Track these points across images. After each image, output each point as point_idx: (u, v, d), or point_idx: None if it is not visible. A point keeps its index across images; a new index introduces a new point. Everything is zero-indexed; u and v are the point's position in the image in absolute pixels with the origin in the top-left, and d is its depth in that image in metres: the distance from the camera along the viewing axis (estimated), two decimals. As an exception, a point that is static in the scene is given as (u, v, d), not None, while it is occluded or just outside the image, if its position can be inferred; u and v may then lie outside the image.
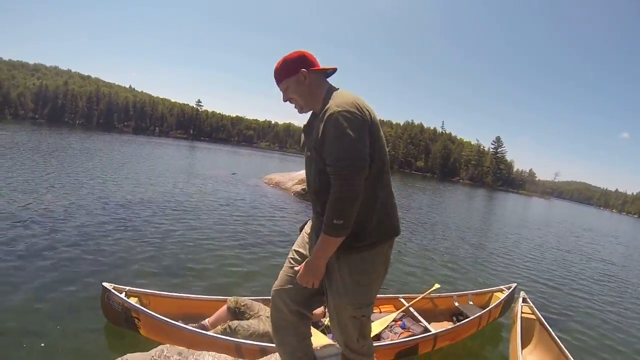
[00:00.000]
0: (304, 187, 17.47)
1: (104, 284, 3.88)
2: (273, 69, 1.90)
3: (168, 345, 2.39)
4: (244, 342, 3.52)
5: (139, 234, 7.49)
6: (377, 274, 1.89)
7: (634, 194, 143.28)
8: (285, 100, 1.93)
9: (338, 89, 1.86)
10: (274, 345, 3.45)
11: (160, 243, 7.21)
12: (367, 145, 1.67)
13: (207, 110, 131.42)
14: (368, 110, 1.75)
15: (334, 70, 1.96)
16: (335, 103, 1.70)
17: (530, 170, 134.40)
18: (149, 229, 7.95)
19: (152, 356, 2.24)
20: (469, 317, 5.53)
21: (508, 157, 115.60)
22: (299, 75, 1.85)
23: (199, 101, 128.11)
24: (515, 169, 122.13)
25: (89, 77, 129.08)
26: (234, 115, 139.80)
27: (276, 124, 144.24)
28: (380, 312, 5.20)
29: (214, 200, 12.55)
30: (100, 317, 3.99)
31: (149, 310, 3.73)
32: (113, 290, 3.81)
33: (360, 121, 1.66)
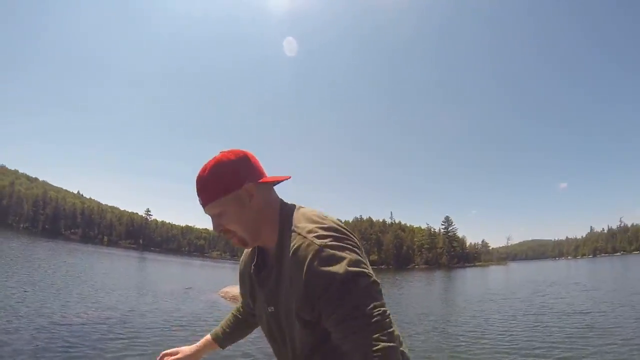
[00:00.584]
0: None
1: None
2: (195, 180, 1.17)
3: None
4: None
5: None
6: None
7: (584, 236, 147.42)
8: (218, 232, 1.19)
9: (293, 205, 1.25)
10: None
11: None
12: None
13: (156, 220, 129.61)
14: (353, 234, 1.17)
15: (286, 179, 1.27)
16: (307, 230, 1.09)
17: (483, 241, 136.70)
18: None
19: None
20: None
21: (459, 234, 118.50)
22: (240, 192, 1.14)
23: (148, 210, 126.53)
24: (468, 244, 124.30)
25: (36, 179, 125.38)
26: (184, 225, 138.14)
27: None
28: None
29: (171, 320, 11.67)
30: None
31: None
32: None
33: (358, 249, 1.11)
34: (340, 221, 1.19)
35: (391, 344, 0.95)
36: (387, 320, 0.99)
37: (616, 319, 13.10)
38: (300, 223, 1.12)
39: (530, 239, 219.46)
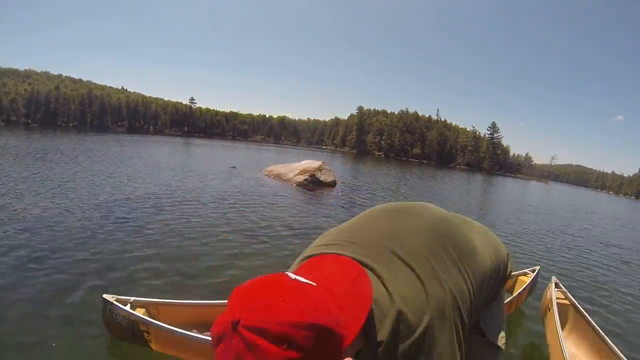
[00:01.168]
0: (306, 177, 17.34)
1: (105, 296, 3.41)
2: None
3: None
4: None
5: (138, 235, 6.92)
6: None
7: (630, 175, 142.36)
8: None
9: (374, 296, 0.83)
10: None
11: (162, 244, 6.64)
12: None
13: (200, 107, 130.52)
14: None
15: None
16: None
17: (527, 154, 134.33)
18: (148, 229, 7.38)
19: None
20: None
21: (504, 142, 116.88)
22: None
23: (192, 99, 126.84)
24: (512, 154, 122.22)
25: (80, 80, 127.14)
26: (228, 111, 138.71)
27: (270, 117, 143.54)
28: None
29: (216, 195, 12.05)
30: (103, 333, 3.52)
31: (159, 322, 3.28)
32: (116, 303, 3.36)
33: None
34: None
35: None
36: None
37: None
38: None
39: (575, 163, 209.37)
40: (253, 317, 0.61)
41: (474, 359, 1.11)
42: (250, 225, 8.64)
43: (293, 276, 0.71)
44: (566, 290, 5.60)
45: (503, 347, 1.26)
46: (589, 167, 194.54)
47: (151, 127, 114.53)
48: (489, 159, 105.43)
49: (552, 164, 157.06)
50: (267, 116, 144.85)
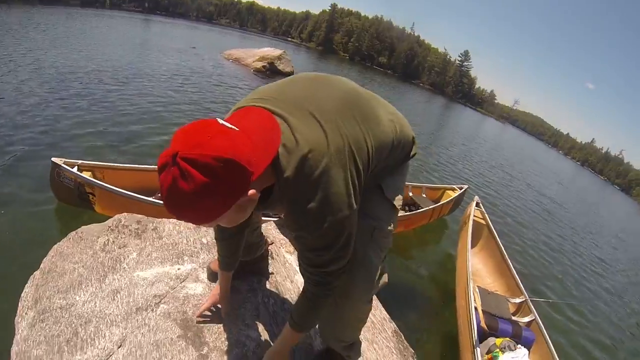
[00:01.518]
0: (264, 64, 17.04)
1: (53, 159, 3.52)
2: (170, 198, 0.86)
3: (126, 214, 2.16)
4: None
5: (90, 106, 7.01)
6: None
7: (583, 143, 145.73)
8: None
9: (282, 133, 1.03)
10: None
11: (112, 114, 6.83)
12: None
13: None
14: (360, 172, 1.13)
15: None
16: (319, 211, 1.05)
17: (492, 91, 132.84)
18: (100, 101, 7.45)
19: (109, 226, 2.04)
20: (421, 209, 5.75)
21: (472, 73, 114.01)
22: (237, 205, 0.93)
23: None
24: (477, 86, 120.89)
25: None
26: None
27: (239, 1, 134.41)
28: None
29: (172, 71, 12.02)
30: (50, 198, 3.73)
31: (104, 183, 3.49)
32: (64, 165, 3.48)
33: (353, 223, 1.14)
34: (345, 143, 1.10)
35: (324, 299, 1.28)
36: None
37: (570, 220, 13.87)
38: (300, 182, 1.03)
39: (535, 114, 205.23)
40: (187, 151, 0.81)
41: (372, 210, 1.41)
42: (200, 102, 8.93)
43: (221, 122, 0.92)
44: (484, 211, 6.14)
45: (398, 207, 1.46)
46: (548, 121, 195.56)
47: (108, 0, 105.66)
48: (454, 85, 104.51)
49: (514, 108, 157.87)
50: (235, 0, 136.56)
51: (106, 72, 9.90)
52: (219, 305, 1.65)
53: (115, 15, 46.42)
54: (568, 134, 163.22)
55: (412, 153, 1.49)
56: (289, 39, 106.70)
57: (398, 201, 1.46)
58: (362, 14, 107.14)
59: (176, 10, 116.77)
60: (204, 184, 0.82)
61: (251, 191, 0.92)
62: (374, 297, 2.60)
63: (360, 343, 1.74)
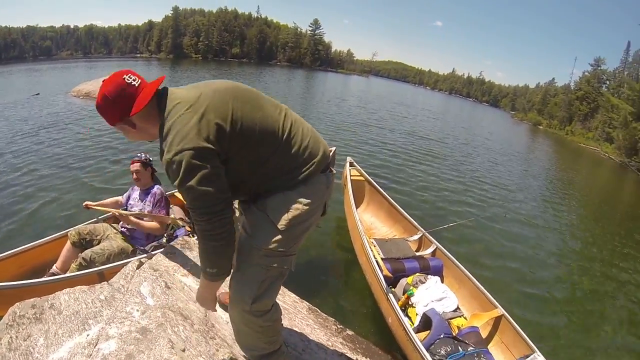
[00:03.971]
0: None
1: None
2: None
3: (18, 303, 2.09)
4: (105, 267, 3.35)
5: None
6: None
7: (445, 74, 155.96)
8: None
9: (165, 98, 1.45)
10: (139, 257, 3.38)
11: None
12: (219, 183, 1.38)
13: None
14: (217, 124, 1.37)
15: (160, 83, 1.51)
16: (170, 142, 1.33)
17: (349, 50, 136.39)
18: None
19: (7, 323, 1.95)
20: None
21: (326, 39, 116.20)
22: (123, 124, 1.48)
23: None
24: (334, 50, 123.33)
25: None
26: (25, 26, 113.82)
27: (76, 27, 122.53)
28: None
29: (19, 130, 10.65)
30: None
31: None
32: None
33: (204, 162, 1.32)
34: (194, 97, 1.44)
35: (211, 243, 1.43)
36: (205, 211, 1.38)
37: (450, 150, 15.21)
38: (171, 131, 1.36)
39: (395, 60, 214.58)
40: (99, 91, 1.45)
41: (253, 230, 1.59)
42: (60, 156, 8.29)
43: (126, 77, 1.44)
44: (360, 168, 6.43)
45: (283, 228, 1.53)
46: (409, 64, 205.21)
47: None
48: (311, 55, 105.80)
49: (374, 60, 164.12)
50: (72, 27, 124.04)
51: None
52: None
53: None
54: (430, 70, 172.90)
55: (322, 168, 1.64)
56: (138, 55, 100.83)
57: (285, 222, 1.53)
58: (207, 10, 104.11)
59: (9, 54, 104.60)
60: (100, 102, 1.46)
61: (127, 120, 1.47)
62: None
63: (280, 352, 1.91)
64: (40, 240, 3.77)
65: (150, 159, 3.99)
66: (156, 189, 3.92)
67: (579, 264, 6.97)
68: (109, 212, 3.82)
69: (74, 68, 48.64)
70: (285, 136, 1.54)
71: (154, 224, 3.79)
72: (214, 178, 1.35)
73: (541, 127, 59.16)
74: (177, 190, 1.46)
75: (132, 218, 3.70)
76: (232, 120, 1.41)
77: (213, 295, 1.70)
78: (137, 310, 2.11)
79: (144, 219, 3.78)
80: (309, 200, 1.56)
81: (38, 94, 19.08)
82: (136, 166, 3.85)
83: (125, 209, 3.96)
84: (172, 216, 4.19)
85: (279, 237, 1.53)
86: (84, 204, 3.78)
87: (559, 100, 60.49)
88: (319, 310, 2.73)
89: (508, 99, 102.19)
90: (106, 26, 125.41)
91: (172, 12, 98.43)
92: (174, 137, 1.33)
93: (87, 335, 1.90)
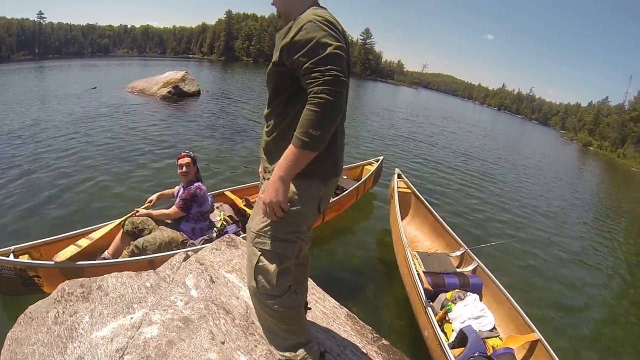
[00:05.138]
0: (169, 89, 16.69)
1: None
2: None
3: (67, 281, 2.18)
4: (155, 256, 3.46)
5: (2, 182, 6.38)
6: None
7: (495, 89, 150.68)
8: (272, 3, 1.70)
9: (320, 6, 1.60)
10: (185, 249, 3.43)
11: (25, 184, 6.32)
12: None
13: (52, 23, 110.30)
14: (344, 34, 1.51)
15: None
16: (309, 14, 1.47)
17: (399, 61, 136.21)
18: (8, 172, 6.83)
19: (55, 298, 2.05)
20: (346, 190, 5.95)
21: (377, 48, 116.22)
22: None
23: (40, 13, 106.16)
24: (384, 60, 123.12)
25: None
26: (85, 24, 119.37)
27: (133, 27, 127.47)
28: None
29: (78, 120, 11.27)
30: None
31: (45, 261, 3.32)
32: None
33: (339, 35, 1.46)
34: (338, 21, 1.53)
35: (331, 99, 1.35)
36: (337, 80, 1.37)
37: (497, 169, 14.74)
38: (313, 11, 1.48)
39: (445, 73, 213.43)
40: None
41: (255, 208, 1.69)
42: (116, 147, 8.60)
43: None
44: (407, 181, 6.40)
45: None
46: (459, 77, 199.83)
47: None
48: (361, 64, 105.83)
49: (424, 72, 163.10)
50: (129, 27, 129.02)
51: (8, 139, 9.15)
52: None
53: (3, 69, 42.79)
54: (480, 84, 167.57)
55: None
56: (190, 55, 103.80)
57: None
58: (259, 15, 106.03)
59: (69, 49, 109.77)
60: None
61: None
62: (320, 289, 2.79)
63: (308, 348, 1.84)
64: (94, 226, 3.93)
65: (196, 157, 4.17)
66: (194, 185, 4.02)
67: (625, 301, 6.53)
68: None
69: (129, 65, 50.52)
70: (338, 130, 1.61)
71: (161, 211, 4.00)
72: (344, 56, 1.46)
73: (591, 148, 56.87)
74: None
75: (152, 213, 3.96)
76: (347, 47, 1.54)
77: (290, 179, 1.50)
78: (181, 301, 2.13)
79: (157, 211, 4.00)
80: (311, 196, 1.63)
81: (95, 87, 20.04)
82: (186, 160, 3.99)
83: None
84: (221, 214, 4.37)
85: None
86: (135, 210, 4.01)
87: (611, 121, 58.09)
88: (357, 318, 2.70)
89: (558, 117, 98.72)
90: (161, 27, 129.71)
91: (225, 15, 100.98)
92: (318, 13, 1.49)
93: (131, 319, 1.95)
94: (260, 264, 1.62)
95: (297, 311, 1.79)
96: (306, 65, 1.39)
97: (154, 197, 4.18)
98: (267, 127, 1.70)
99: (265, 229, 1.59)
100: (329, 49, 1.38)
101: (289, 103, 1.57)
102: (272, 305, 1.67)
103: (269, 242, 1.61)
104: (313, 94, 1.36)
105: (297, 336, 1.81)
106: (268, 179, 1.56)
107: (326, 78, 1.35)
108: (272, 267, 1.62)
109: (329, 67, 1.36)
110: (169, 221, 3.97)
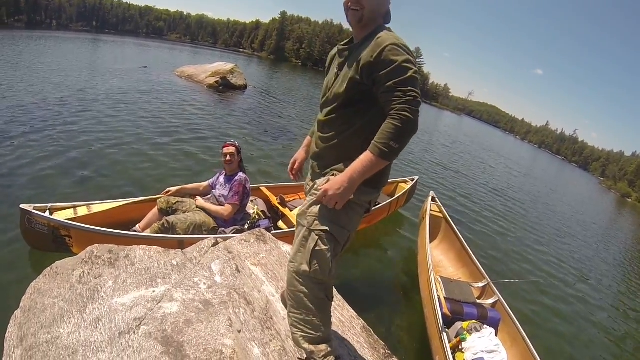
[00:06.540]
0: (217, 79, 16.92)
1: (22, 206, 3.34)
2: None
3: (97, 245, 2.21)
4: (185, 237, 3.47)
5: (47, 143, 6.65)
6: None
7: (538, 126, 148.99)
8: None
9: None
10: (216, 236, 3.42)
11: (71, 150, 6.54)
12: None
13: (112, 0, 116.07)
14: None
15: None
16: (388, 36, 1.59)
17: (446, 85, 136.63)
18: (57, 136, 7.09)
19: (83, 259, 2.08)
20: (379, 204, 5.92)
21: (425, 69, 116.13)
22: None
23: None
24: (431, 82, 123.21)
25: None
26: (143, 5, 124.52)
27: (188, 15, 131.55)
28: (301, 199, 5.37)
29: (126, 96, 11.64)
30: (22, 246, 3.53)
31: (79, 223, 3.37)
32: (34, 211, 3.32)
33: (415, 60, 1.60)
34: None
35: (411, 117, 1.49)
36: (416, 101, 1.50)
37: (531, 208, 14.43)
38: (387, 34, 1.61)
39: (490, 103, 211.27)
40: None
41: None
42: (158, 128, 8.75)
43: None
44: (441, 205, 6.40)
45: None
46: (503, 109, 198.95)
47: (54, 21, 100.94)
48: None
49: (469, 99, 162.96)
50: (185, 13, 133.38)
51: (61, 104, 9.47)
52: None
53: (62, 37, 44.55)
54: (523, 119, 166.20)
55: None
56: (241, 50, 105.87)
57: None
58: (312, 20, 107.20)
59: (125, 27, 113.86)
60: None
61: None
62: (340, 297, 2.75)
63: (327, 344, 1.91)
64: (130, 199, 4.02)
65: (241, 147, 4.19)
66: (240, 175, 4.05)
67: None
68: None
69: (179, 51, 51.90)
70: None
71: (219, 209, 3.96)
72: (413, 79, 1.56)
73: (630, 199, 55.15)
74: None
75: (208, 207, 3.97)
76: None
77: (360, 181, 1.60)
78: (204, 284, 2.12)
79: (213, 207, 3.98)
80: (365, 200, 1.78)
81: (146, 66, 20.68)
82: (231, 149, 4.04)
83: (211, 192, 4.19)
84: (255, 207, 4.39)
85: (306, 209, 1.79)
86: (165, 192, 4.09)
87: (654, 174, 56.35)
88: (372, 331, 2.66)
89: (599, 163, 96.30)
90: (216, 18, 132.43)
91: (279, 16, 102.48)
92: (394, 36, 1.62)
93: (153, 292, 1.95)
94: (317, 248, 1.71)
95: (330, 303, 1.91)
96: (389, 84, 1.53)
97: (174, 189, 4.18)
98: (323, 132, 1.83)
99: (327, 214, 1.70)
100: (410, 72, 1.52)
101: (357, 114, 1.70)
102: (318, 292, 1.80)
103: (330, 225, 1.71)
104: (396, 111, 1.50)
105: (325, 330, 1.90)
106: (316, 180, 1.82)
107: (408, 98, 1.49)
108: (328, 253, 1.72)
109: (409, 88, 1.50)
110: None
